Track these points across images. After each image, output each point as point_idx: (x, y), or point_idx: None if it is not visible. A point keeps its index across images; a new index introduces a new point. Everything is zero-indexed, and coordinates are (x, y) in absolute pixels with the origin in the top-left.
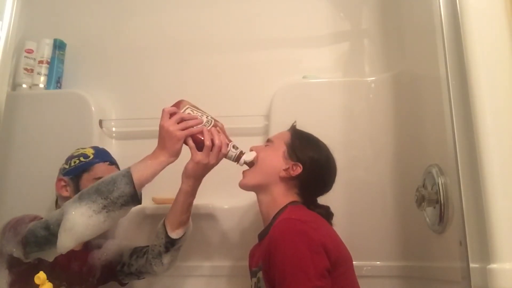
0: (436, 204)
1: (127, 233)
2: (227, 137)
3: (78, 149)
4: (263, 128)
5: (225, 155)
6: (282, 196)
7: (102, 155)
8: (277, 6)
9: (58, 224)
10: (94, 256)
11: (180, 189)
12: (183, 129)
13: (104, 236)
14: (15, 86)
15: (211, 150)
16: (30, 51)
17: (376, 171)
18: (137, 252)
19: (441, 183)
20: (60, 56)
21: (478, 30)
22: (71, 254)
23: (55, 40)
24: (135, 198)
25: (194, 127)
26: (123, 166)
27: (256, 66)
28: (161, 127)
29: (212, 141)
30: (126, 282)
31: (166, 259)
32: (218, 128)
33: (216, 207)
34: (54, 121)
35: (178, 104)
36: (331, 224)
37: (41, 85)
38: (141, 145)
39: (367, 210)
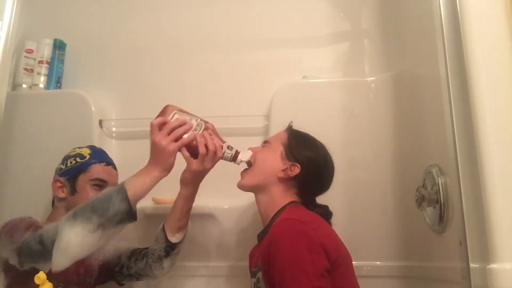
0: (436, 204)
1: (127, 233)
2: (220, 138)
3: (75, 148)
4: (263, 128)
5: (221, 157)
6: (281, 196)
7: (99, 156)
8: (277, 6)
9: (52, 241)
10: (92, 257)
11: (179, 195)
12: (175, 140)
13: None
14: (15, 86)
15: (206, 156)
16: (30, 51)
17: (376, 171)
18: (136, 254)
19: (441, 183)
20: (60, 56)
21: (478, 30)
22: None
23: (55, 40)
24: (130, 215)
25: (186, 135)
26: (123, 166)
27: (256, 66)
28: (153, 142)
29: (206, 146)
30: (124, 283)
31: (166, 263)
32: (209, 130)
33: (215, 207)
34: (54, 121)
35: (164, 111)
36: (330, 223)
37: (41, 85)
38: (141, 145)
39: (367, 210)
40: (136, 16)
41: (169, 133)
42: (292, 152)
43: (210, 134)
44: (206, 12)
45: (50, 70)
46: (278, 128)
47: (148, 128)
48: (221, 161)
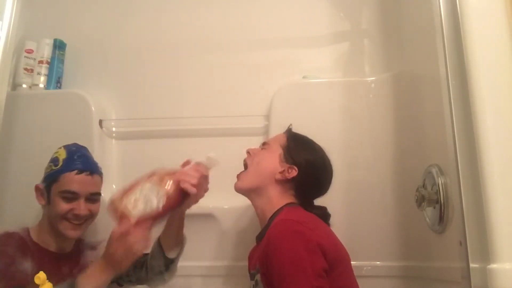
0: (436, 204)
1: None
2: (185, 171)
3: (59, 149)
4: (263, 128)
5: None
6: (278, 198)
7: (71, 162)
8: (277, 6)
9: None
10: (87, 259)
11: (173, 216)
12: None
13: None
14: (15, 86)
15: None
16: (30, 51)
17: (376, 171)
18: (135, 261)
19: (441, 183)
20: (60, 56)
21: (478, 30)
22: (60, 257)
23: (55, 40)
24: None
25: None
26: (123, 166)
27: (256, 66)
28: (119, 237)
29: (186, 194)
30: (123, 284)
31: (168, 275)
32: (175, 176)
33: (215, 207)
34: (54, 121)
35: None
36: (328, 224)
37: (41, 85)
38: (141, 145)
39: (367, 210)
40: (136, 16)
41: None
42: (291, 154)
43: (178, 182)
44: (206, 13)
45: (50, 70)
46: (278, 128)
47: (148, 128)
48: (221, 161)
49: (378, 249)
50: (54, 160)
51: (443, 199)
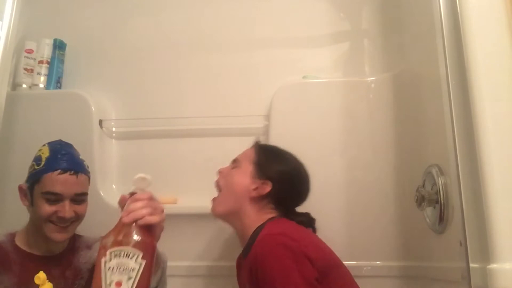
0: (436, 204)
1: None
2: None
3: (44, 145)
4: (263, 128)
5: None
6: (257, 215)
7: (54, 161)
8: (277, 6)
9: None
10: (81, 260)
11: None
12: None
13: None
14: (15, 86)
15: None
16: (30, 51)
17: (376, 171)
18: None
19: (441, 183)
20: (60, 56)
21: (478, 30)
22: (50, 260)
23: (55, 40)
24: None
25: None
26: (123, 166)
27: (256, 66)
28: None
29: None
30: None
31: None
32: (126, 226)
33: None
34: (54, 121)
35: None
36: (314, 229)
37: (41, 85)
38: (141, 145)
39: (367, 210)
40: (136, 16)
41: None
42: (262, 169)
43: (122, 224)
44: (206, 13)
45: (50, 70)
46: (278, 128)
47: (148, 128)
48: (217, 162)
49: (378, 249)
50: (37, 159)
51: (443, 199)
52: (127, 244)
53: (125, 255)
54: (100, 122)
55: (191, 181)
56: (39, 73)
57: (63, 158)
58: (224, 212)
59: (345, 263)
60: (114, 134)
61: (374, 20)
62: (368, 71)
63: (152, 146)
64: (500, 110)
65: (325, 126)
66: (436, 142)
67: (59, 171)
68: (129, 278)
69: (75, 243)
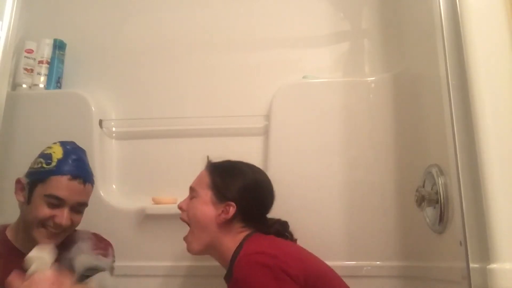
0: (436, 204)
1: (127, 233)
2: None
3: (55, 143)
4: (263, 128)
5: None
6: (231, 239)
7: (67, 164)
8: (277, 6)
9: None
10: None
11: None
12: None
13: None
14: (15, 86)
15: None
16: (30, 51)
17: (376, 171)
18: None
19: (441, 183)
20: (60, 56)
21: (478, 30)
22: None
23: (55, 40)
24: None
25: None
26: (123, 166)
27: (256, 66)
28: None
29: None
30: None
31: None
32: None
33: None
34: (54, 121)
35: None
36: (291, 234)
37: (41, 85)
38: (141, 145)
39: (367, 210)
40: (136, 16)
41: None
42: (220, 191)
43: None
44: (206, 13)
45: (50, 70)
46: (278, 128)
47: (148, 128)
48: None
49: (378, 249)
50: (47, 157)
51: (443, 199)
52: None
53: None
54: (100, 122)
55: (191, 181)
56: (39, 73)
57: (75, 163)
58: (200, 249)
59: (345, 263)
60: (114, 134)
61: (374, 20)
62: (368, 71)
63: (152, 146)
64: (500, 110)
65: (325, 126)
66: (436, 142)
67: (69, 176)
68: None
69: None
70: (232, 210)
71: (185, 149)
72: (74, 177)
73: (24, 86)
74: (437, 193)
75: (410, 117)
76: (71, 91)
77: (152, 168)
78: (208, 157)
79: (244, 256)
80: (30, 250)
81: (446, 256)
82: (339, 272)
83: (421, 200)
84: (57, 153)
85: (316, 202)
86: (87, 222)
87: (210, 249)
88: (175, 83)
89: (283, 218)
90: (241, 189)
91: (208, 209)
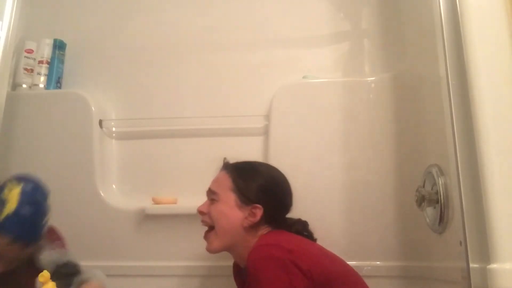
0: (436, 204)
1: (127, 233)
2: None
3: (17, 184)
4: (263, 128)
5: None
6: (253, 239)
7: (12, 223)
8: (277, 6)
9: None
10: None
11: None
12: None
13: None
14: (15, 86)
15: None
16: (30, 51)
17: (376, 171)
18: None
19: (441, 183)
20: (60, 56)
21: (478, 30)
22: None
23: (55, 40)
24: None
25: None
26: (123, 166)
27: (256, 66)
28: None
29: None
30: None
31: None
32: None
33: None
34: (54, 121)
35: None
36: (311, 234)
37: (41, 85)
38: (141, 145)
39: (367, 210)
40: (136, 16)
41: None
42: (245, 194)
43: None
44: (206, 13)
45: (50, 70)
46: (278, 128)
47: (148, 128)
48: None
49: (378, 249)
50: (0, 201)
51: (443, 199)
52: None
53: None
54: (100, 122)
55: (191, 181)
56: (39, 73)
57: (24, 220)
58: (220, 250)
59: None
60: (114, 134)
61: (374, 20)
62: (368, 71)
63: (152, 146)
64: (500, 110)
65: (325, 126)
66: (436, 142)
67: (10, 239)
68: None
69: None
70: (259, 212)
71: (185, 149)
72: (15, 240)
73: (24, 86)
74: (437, 193)
75: (410, 117)
76: (71, 91)
77: (152, 168)
78: (225, 158)
79: (258, 246)
80: None
81: (446, 256)
82: None
83: (421, 200)
84: (11, 202)
85: (316, 202)
86: (87, 222)
87: (231, 248)
88: (175, 83)
89: None
90: (263, 190)
91: (234, 212)
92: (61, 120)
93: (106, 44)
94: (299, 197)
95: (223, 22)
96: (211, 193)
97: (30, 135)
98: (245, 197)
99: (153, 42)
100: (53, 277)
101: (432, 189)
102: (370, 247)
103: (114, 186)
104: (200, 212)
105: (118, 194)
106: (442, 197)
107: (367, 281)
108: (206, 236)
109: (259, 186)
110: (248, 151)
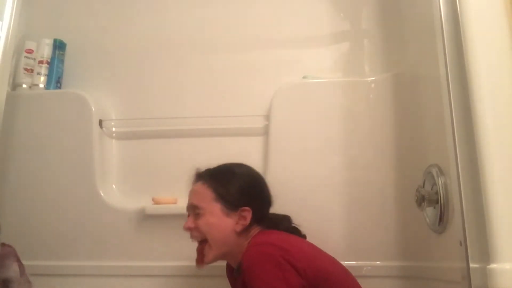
0: (436, 204)
1: (127, 233)
2: None
3: None
4: (263, 128)
5: None
6: (246, 241)
7: None
8: (277, 6)
9: None
10: None
11: None
12: None
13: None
14: (15, 86)
15: None
16: (30, 51)
17: (376, 171)
18: None
19: (441, 183)
20: (60, 56)
21: (478, 30)
22: None
23: (55, 40)
24: None
25: None
26: (123, 166)
27: (256, 66)
28: None
29: None
30: None
31: None
32: None
33: None
34: (54, 121)
35: None
36: (297, 230)
37: (41, 85)
38: (141, 145)
39: (367, 210)
40: (136, 16)
41: None
42: (229, 200)
43: None
44: (206, 13)
45: (50, 70)
46: (278, 128)
47: (148, 128)
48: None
49: (378, 249)
50: None
51: (443, 199)
52: None
53: None
54: (100, 122)
55: (191, 181)
56: (39, 73)
57: None
58: (217, 259)
59: (345, 263)
60: (114, 134)
61: (374, 20)
62: (368, 71)
63: (152, 146)
64: (500, 110)
65: (325, 126)
66: (436, 142)
67: None
68: None
69: None
70: (248, 214)
71: (185, 149)
72: None
73: (24, 86)
74: (437, 193)
75: (410, 117)
76: (71, 91)
77: (152, 168)
78: (198, 169)
79: (252, 246)
80: None
81: (446, 256)
82: None
83: (421, 200)
84: None
85: (316, 202)
86: (87, 222)
87: (226, 255)
88: (175, 83)
89: None
90: (245, 192)
91: (223, 221)
92: (61, 120)
93: (106, 44)
94: (299, 197)
95: (223, 22)
96: (193, 207)
97: (30, 135)
98: (230, 204)
99: (153, 42)
100: None
101: (432, 189)
102: (370, 247)
103: (114, 186)
104: (188, 229)
105: (118, 194)
106: (442, 197)
107: (367, 281)
108: (199, 250)
109: (240, 189)
110: (248, 151)
